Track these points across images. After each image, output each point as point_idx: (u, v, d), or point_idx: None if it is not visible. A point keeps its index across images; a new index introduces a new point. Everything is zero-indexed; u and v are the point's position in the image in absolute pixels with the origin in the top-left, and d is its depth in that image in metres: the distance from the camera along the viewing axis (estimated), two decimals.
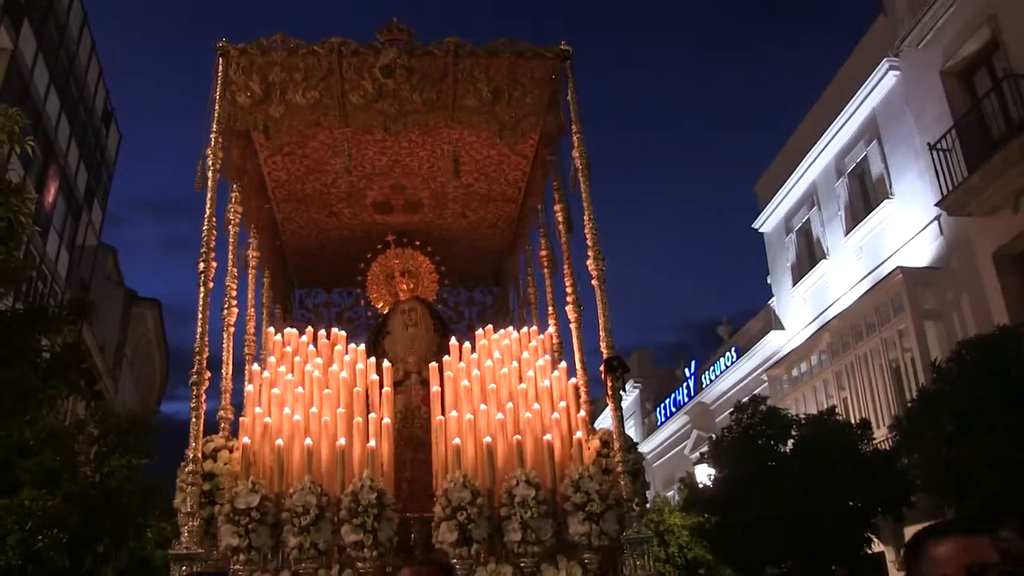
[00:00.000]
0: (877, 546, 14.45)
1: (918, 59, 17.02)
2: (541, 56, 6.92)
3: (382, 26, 6.73)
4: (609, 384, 6.13)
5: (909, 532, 14.19)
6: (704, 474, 16.58)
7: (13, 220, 7.41)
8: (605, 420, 7.05)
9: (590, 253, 6.42)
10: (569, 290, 6.79)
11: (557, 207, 7.17)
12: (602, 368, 6.17)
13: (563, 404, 6.47)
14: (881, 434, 14.03)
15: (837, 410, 15.86)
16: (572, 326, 6.68)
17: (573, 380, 6.66)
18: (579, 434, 6.30)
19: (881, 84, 18.01)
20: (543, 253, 7.80)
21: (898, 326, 16.34)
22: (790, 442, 13.70)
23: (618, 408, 6.14)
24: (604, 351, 6.21)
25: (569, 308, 6.73)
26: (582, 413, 6.47)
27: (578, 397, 6.61)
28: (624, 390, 6.30)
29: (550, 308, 7.65)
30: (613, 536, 5.78)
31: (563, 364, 6.91)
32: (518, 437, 6.08)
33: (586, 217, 6.53)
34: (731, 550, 14.51)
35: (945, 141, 15.77)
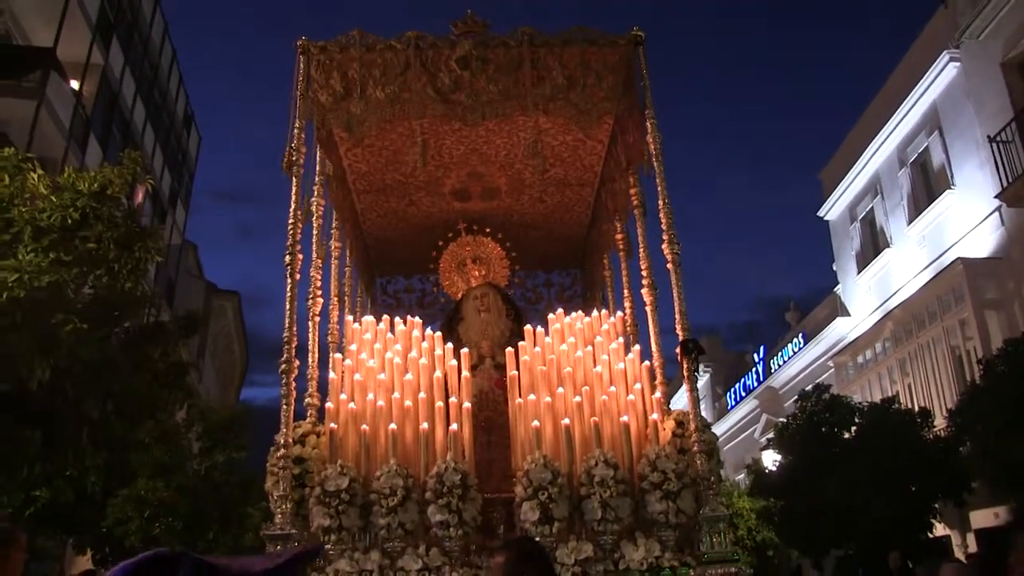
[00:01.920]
0: (941, 530, 14.31)
1: (978, 51, 16.73)
2: (614, 43, 6.86)
3: (457, 19, 6.63)
4: (685, 366, 6.06)
5: (974, 516, 14.21)
6: (770, 460, 16.54)
7: (144, 259, 8.13)
8: (678, 402, 6.92)
9: (665, 237, 6.36)
10: (644, 273, 6.75)
11: (632, 191, 7.03)
12: (678, 350, 6.08)
13: (638, 386, 6.38)
14: (941, 422, 13.73)
15: (901, 397, 16.22)
16: (648, 308, 6.57)
17: (647, 362, 6.54)
18: (655, 415, 6.19)
19: (942, 76, 17.79)
20: (618, 236, 7.69)
21: (959, 315, 16.20)
22: (853, 429, 13.67)
23: (693, 389, 6.07)
24: (680, 333, 6.15)
25: (644, 291, 6.67)
26: (657, 394, 6.42)
27: (653, 379, 6.55)
28: (698, 372, 6.16)
29: (625, 291, 7.51)
30: (690, 514, 5.77)
31: (637, 347, 6.78)
32: (595, 419, 6.02)
33: (661, 201, 6.46)
34: (796, 534, 14.55)
35: (1005, 133, 15.55)
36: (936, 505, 12.98)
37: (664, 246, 6.34)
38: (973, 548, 14.72)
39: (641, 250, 6.86)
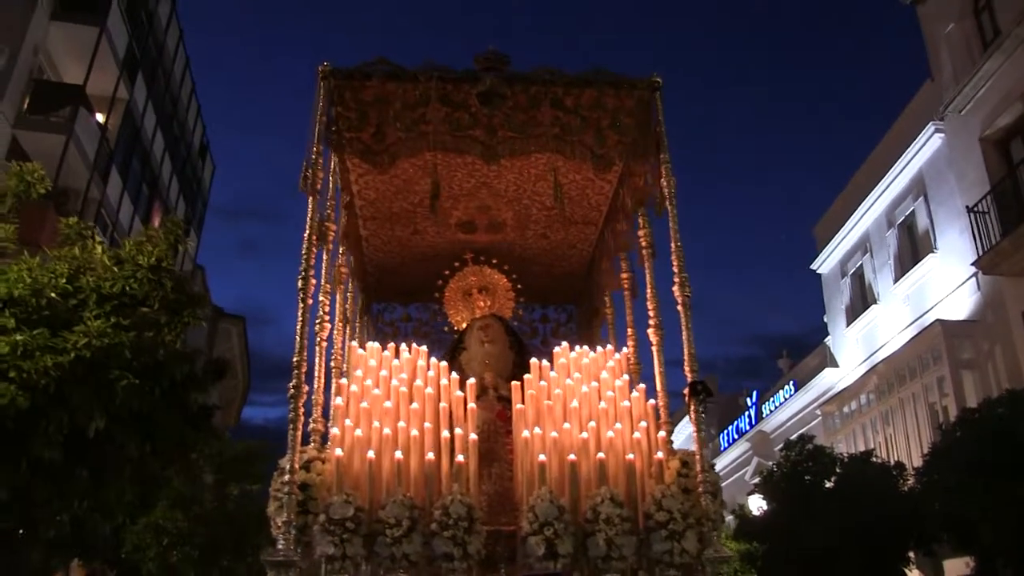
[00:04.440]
0: None
1: (960, 125, 17.21)
2: (632, 86, 6.58)
3: (479, 53, 6.32)
4: (692, 407, 5.72)
5: (948, 565, 14.36)
6: (755, 504, 16.54)
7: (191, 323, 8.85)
8: (676, 440, 6.53)
9: (676, 280, 6.10)
10: (652, 314, 6.43)
11: (641, 232, 6.72)
12: (686, 391, 5.75)
13: (644, 424, 6.03)
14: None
15: (882, 448, 16.74)
16: (654, 348, 6.26)
17: (653, 401, 6.19)
18: (660, 454, 5.84)
19: (928, 145, 18.38)
20: (624, 276, 7.36)
21: (937, 373, 16.43)
22: (833, 479, 13.70)
23: (700, 430, 5.77)
24: (688, 375, 5.89)
25: (651, 331, 6.32)
26: (662, 433, 6.08)
27: (657, 417, 6.23)
28: (704, 413, 5.81)
29: (629, 330, 7.17)
30: (694, 554, 5.48)
31: (642, 385, 6.44)
32: (602, 455, 5.68)
33: (673, 244, 6.20)
34: None
35: (982, 204, 15.91)
36: (909, 555, 13.07)
37: (675, 288, 6.07)
38: None
39: (648, 290, 6.54)
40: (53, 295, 7.80)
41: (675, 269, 6.09)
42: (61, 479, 7.65)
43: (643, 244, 6.78)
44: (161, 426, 7.95)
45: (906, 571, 13.06)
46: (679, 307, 6.00)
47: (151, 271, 8.41)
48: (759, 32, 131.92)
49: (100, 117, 21.62)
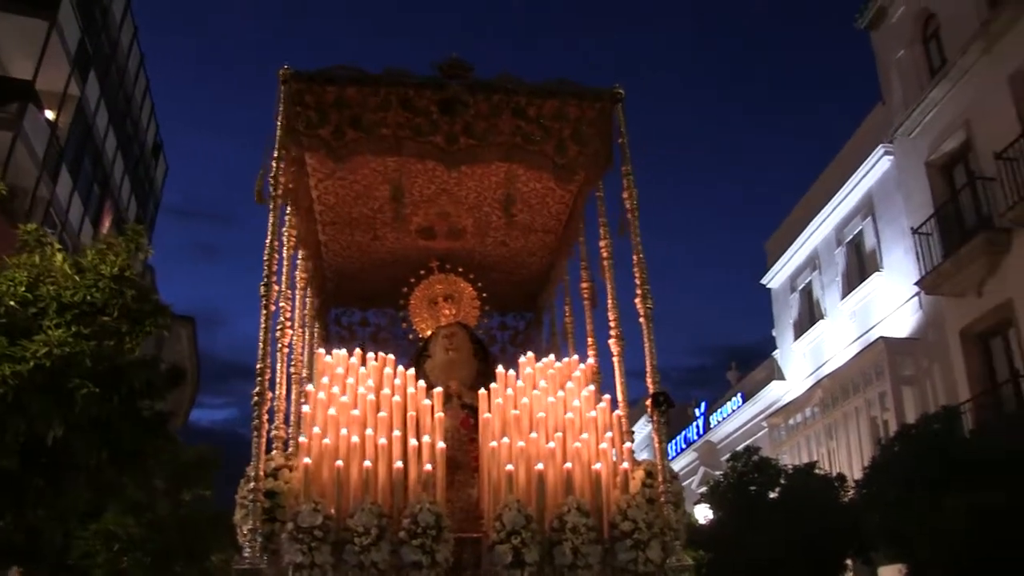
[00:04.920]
0: None
1: (909, 148, 17.96)
2: (594, 97, 6.59)
3: (441, 61, 6.33)
4: (655, 418, 5.78)
5: (882, 572, 14.87)
6: (701, 514, 16.92)
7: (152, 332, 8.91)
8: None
9: (639, 292, 6.13)
10: (613, 324, 6.48)
11: (602, 243, 6.77)
12: (648, 402, 5.80)
13: (609, 434, 6.10)
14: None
15: (825, 461, 17.40)
16: (615, 359, 6.32)
17: (617, 412, 6.24)
18: (625, 464, 5.89)
19: (877, 166, 18.98)
20: (584, 285, 7.39)
21: (879, 389, 16.94)
22: (777, 490, 14.18)
23: (663, 440, 5.82)
24: (651, 386, 5.92)
25: (612, 342, 6.40)
26: (628, 444, 6.14)
27: (621, 428, 6.29)
28: (667, 424, 5.87)
29: (589, 340, 7.20)
30: (657, 563, 5.52)
31: (607, 396, 6.47)
32: (568, 465, 5.74)
33: (635, 257, 6.23)
34: None
35: (927, 226, 16.54)
36: (848, 562, 13.66)
37: (637, 300, 6.10)
38: None
39: (609, 301, 6.58)
40: (12, 303, 7.77)
41: (637, 281, 6.11)
42: (17, 487, 7.62)
43: (604, 255, 6.80)
44: (119, 433, 7.91)
45: None
46: (641, 319, 6.03)
47: (113, 281, 8.37)
48: (720, 50, 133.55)
49: (50, 114, 21.15)
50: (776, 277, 23.69)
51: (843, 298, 19.69)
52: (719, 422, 25.28)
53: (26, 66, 19.78)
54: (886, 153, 18.25)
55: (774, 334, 24.02)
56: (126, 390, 7.92)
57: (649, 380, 5.92)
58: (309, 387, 6.57)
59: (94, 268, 8.44)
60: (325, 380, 6.59)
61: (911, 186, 17.36)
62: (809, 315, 21.87)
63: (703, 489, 19.71)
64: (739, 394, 24.44)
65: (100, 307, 8.24)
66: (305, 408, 6.22)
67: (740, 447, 16.86)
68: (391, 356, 7.12)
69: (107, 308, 8.25)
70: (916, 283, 16.45)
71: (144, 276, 30.90)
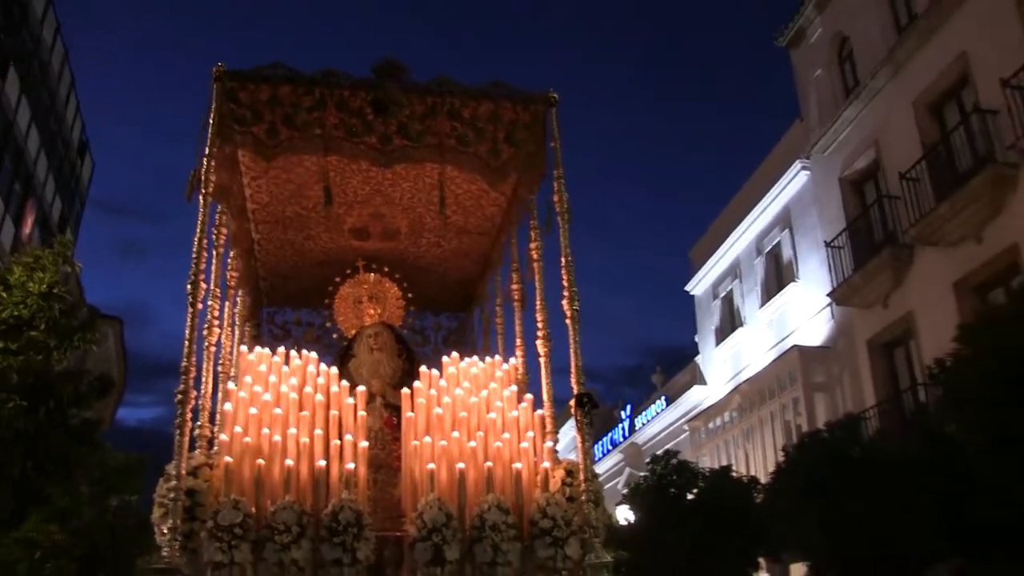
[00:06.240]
0: None
1: (824, 164, 18.42)
2: (528, 101, 6.55)
3: (377, 61, 6.24)
4: (579, 418, 5.77)
5: (794, 569, 15.30)
6: (622, 515, 16.96)
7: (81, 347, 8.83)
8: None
9: (566, 294, 6.10)
10: (540, 326, 6.46)
11: (532, 245, 6.75)
12: (572, 403, 5.80)
13: (531, 434, 6.08)
14: None
15: (742, 463, 17.78)
16: (542, 360, 6.29)
17: (540, 411, 6.22)
18: (546, 463, 5.87)
19: (795, 181, 19.40)
20: (514, 287, 7.37)
21: (793, 395, 17.40)
22: (695, 491, 14.41)
23: (585, 440, 5.81)
24: (575, 387, 5.89)
25: (539, 342, 6.38)
26: (549, 444, 6.12)
27: (543, 428, 6.25)
28: (591, 424, 5.89)
29: (518, 340, 7.16)
30: (576, 560, 5.51)
31: (530, 396, 6.44)
32: (489, 464, 5.69)
33: (563, 260, 6.19)
34: None
35: (839, 240, 17.00)
36: (760, 560, 13.92)
37: (564, 303, 6.07)
38: None
39: (538, 302, 6.55)
40: None
41: (565, 283, 6.08)
42: None
43: (534, 256, 6.80)
44: (45, 444, 7.85)
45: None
46: (568, 320, 6.01)
47: (41, 297, 8.32)
48: (652, 61, 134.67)
49: None
50: (700, 284, 23.99)
51: (762, 306, 20.05)
52: (644, 424, 25.30)
53: None
54: (803, 168, 18.67)
55: (696, 340, 24.33)
56: (54, 402, 7.80)
57: (574, 380, 5.90)
58: (231, 385, 6.42)
59: (22, 285, 8.36)
60: (248, 379, 6.45)
61: (825, 201, 17.81)
62: (730, 322, 22.20)
63: (623, 493, 19.89)
64: (663, 397, 24.59)
65: (27, 321, 8.16)
66: (227, 406, 6.06)
67: (663, 449, 17.08)
68: (314, 355, 7.00)
69: (35, 322, 8.18)
70: (828, 294, 16.88)
71: (68, 275, 29.98)
